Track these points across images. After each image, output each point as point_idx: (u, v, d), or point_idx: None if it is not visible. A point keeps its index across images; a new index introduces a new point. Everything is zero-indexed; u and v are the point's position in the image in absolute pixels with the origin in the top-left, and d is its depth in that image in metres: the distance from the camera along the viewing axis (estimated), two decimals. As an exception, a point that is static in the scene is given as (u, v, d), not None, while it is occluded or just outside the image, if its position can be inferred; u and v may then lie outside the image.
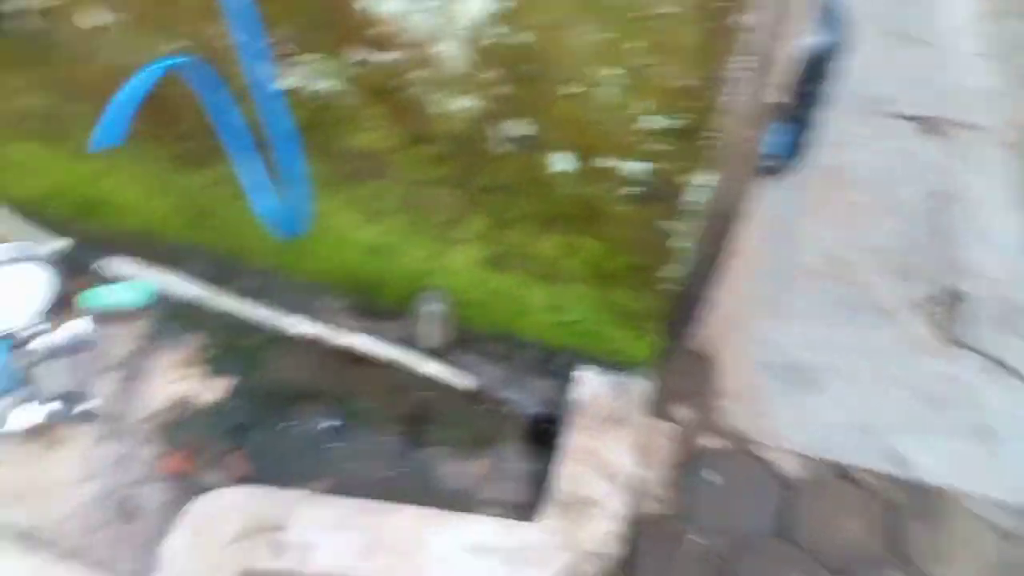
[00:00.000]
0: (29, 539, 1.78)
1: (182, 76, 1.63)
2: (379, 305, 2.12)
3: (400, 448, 1.98)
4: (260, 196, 1.82)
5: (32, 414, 1.95)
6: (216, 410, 2.03)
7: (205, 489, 1.87)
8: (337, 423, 2.01)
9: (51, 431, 1.96)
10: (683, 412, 2.07)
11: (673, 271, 1.69)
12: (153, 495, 1.90)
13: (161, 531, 1.81)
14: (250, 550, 1.73)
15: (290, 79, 1.61)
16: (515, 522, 1.79)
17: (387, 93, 1.59)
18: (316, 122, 1.68)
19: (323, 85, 1.62)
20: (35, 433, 1.94)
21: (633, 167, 1.52)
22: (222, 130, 1.72)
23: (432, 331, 2.00)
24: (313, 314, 2.12)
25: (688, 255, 1.66)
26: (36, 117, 2.00)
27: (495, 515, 1.81)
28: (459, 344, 2.05)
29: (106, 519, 1.87)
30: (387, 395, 2.05)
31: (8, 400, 1.96)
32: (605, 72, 1.39)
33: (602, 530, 1.77)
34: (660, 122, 1.44)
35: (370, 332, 2.08)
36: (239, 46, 1.49)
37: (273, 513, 1.77)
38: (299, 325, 2.11)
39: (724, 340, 2.16)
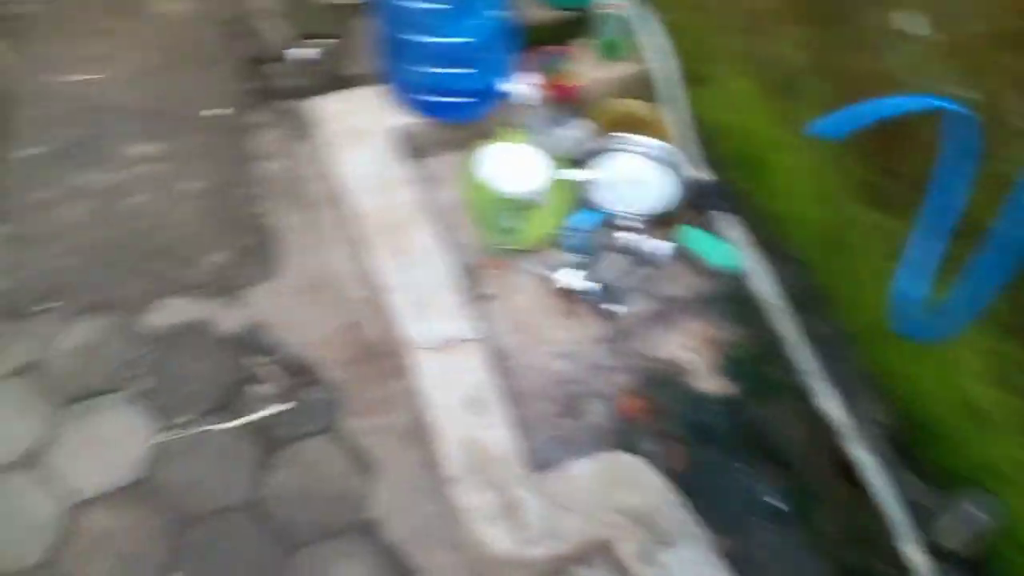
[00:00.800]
0: (493, 357, 1.96)
1: (942, 123, 1.45)
2: (920, 455, 1.78)
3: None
4: (912, 278, 1.60)
5: (574, 279, 2.12)
6: (698, 400, 1.97)
7: (633, 449, 1.87)
8: (783, 511, 1.80)
9: (576, 304, 2.12)
10: None
11: None
12: (598, 414, 1.95)
13: (581, 446, 1.87)
14: (623, 531, 1.69)
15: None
16: None
17: None
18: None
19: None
20: (565, 296, 2.13)
21: None
22: (934, 193, 1.51)
23: (954, 532, 1.62)
24: (849, 401, 1.89)
25: None
26: (776, 68, 2.02)
27: None
28: (965, 567, 1.64)
29: (552, 398, 1.98)
30: (849, 534, 1.76)
31: (572, 258, 2.17)
32: None
33: None
34: None
35: (889, 471, 1.77)
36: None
37: (670, 525, 1.69)
38: (830, 401, 1.91)
39: None
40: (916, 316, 1.61)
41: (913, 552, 1.67)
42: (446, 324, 1.96)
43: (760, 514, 1.80)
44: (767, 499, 1.82)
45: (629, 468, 1.79)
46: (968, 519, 1.59)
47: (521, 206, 2.17)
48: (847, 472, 1.80)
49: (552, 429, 1.93)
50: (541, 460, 1.81)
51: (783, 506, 1.80)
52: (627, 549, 1.67)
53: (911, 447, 1.80)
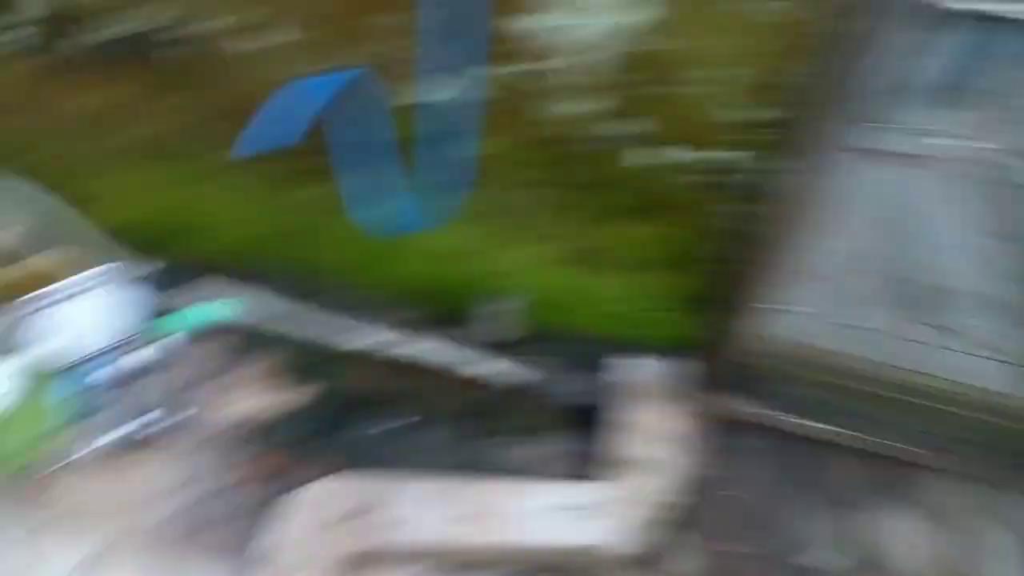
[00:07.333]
0: (134, 544, 1.81)
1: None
2: (454, 308, 2.29)
3: (467, 440, 2.17)
4: (363, 203, 2.02)
5: (120, 430, 2.00)
6: (303, 415, 2.17)
7: (299, 485, 1.95)
8: (411, 421, 2.20)
9: (146, 443, 2.02)
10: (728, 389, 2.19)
11: (726, 254, 1.94)
12: (251, 495, 1.95)
13: (261, 528, 1.87)
14: (347, 533, 1.83)
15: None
16: (582, 483, 1.97)
17: (502, 104, 1.83)
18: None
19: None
20: (128, 447, 2.00)
21: (708, 156, 1.79)
22: (335, 143, 1.94)
23: (500, 329, 2.24)
24: (391, 323, 2.30)
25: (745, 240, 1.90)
26: (151, 143, 2.18)
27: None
28: (530, 340, 2.24)
29: (207, 521, 1.89)
30: (453, 394, 2.26)
31: (98, 418, 2.02)
32: (703, 73, 1.69)
33: (659, 486, 1.97)
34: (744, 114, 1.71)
35: (444, 336, 2.28)
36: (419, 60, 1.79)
37: (363, 498, 1.89)
38: (373, 336, 2.29)
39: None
40: (390, 224, 2.06)
41: (493, 367, 2.25)
42: None
43: (404, 438, 2.16)
44: (399, 426, 2.18)
45: (306, 498, 1.89)
46: (500, 315, 2.19)
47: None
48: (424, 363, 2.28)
49: (227, 542, 1.87)
50: None
51: (411, 420, 2.19)
52: (359, 540, 1.81)
53: (449, 312, 2.29)
